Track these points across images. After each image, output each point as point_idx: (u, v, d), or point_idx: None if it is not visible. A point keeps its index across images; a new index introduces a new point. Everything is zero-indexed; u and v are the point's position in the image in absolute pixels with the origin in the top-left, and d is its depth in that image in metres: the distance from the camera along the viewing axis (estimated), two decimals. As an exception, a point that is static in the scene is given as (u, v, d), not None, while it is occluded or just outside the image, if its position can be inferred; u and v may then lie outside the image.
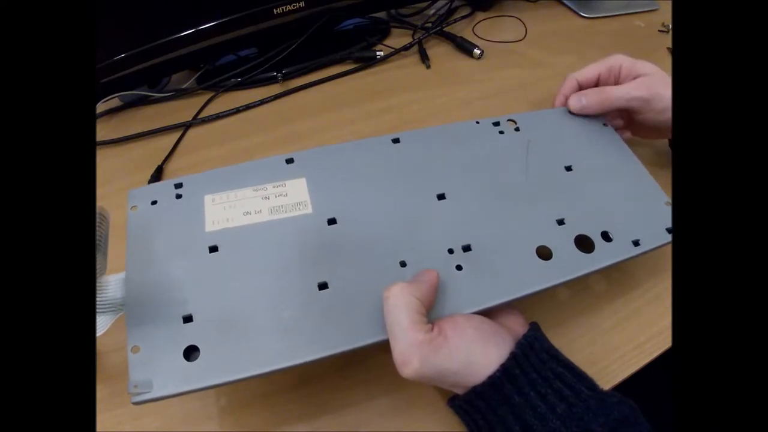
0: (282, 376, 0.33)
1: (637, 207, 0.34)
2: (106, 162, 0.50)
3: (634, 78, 0.40)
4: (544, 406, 0.25)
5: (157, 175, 0.48)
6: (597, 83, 0.42)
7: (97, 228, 0.25)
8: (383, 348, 0.27)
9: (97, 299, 0.27)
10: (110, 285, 0.28)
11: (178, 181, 0.33)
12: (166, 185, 0.33)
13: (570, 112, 0.40)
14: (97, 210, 0.25)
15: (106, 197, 0.46)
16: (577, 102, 0.40)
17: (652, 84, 0.39)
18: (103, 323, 0.28)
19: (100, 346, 0.35)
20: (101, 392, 0.33)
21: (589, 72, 0.42)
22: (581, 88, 0.42)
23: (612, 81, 0.41)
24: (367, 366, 0.34)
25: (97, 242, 0.25)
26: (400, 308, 0.26)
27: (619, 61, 0.41)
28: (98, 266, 0.26)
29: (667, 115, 0.39)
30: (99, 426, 0.31)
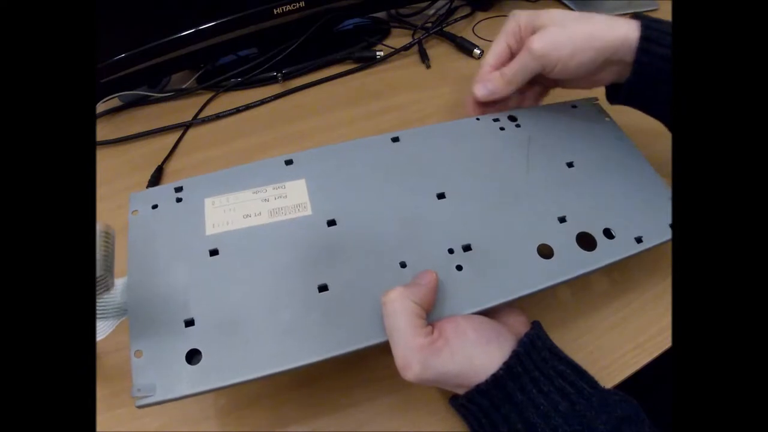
0: (282, 377, 0.33)
1: (640, 203, 0.34)
2: (106, 162, 0.50)
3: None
4: (546, 403, 0.25)
5: (157, 175, 0.48)
6: (512, 55, 0.38)
7: (105, 245, 0.25)
8: (383, 348, 0.27)
9: (100, 304, 0.27)
10: (113, 290, 0.28)
11: (178, 184, 0.33)
12: (166, 189, 0.33)
13: (572, 108, 0.40)
14: (105, 229, 0.25)
15: (106, 197, 0.46)
16: (483, 89, 0.38)
17: (545, 36, 0.35)
18: (105, 327, 0.28)
19: (100, 346, 0.35)
20: (101, 392, 0.33)
21: (498, 48, 0.38)
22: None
23: (523, 45, 0.37)
24: (367, 366, 0.34)
25: (106, 263, 0.25)
26: (399, 313, 0.26)
27: (518, 20, 0.37)
28: (107, 284, 0.26)
29: (578, 59, 0.34)
30: (99, 426, 0.31)
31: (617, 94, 0.37)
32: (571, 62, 0.35)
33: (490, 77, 0.38)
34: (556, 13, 0.36)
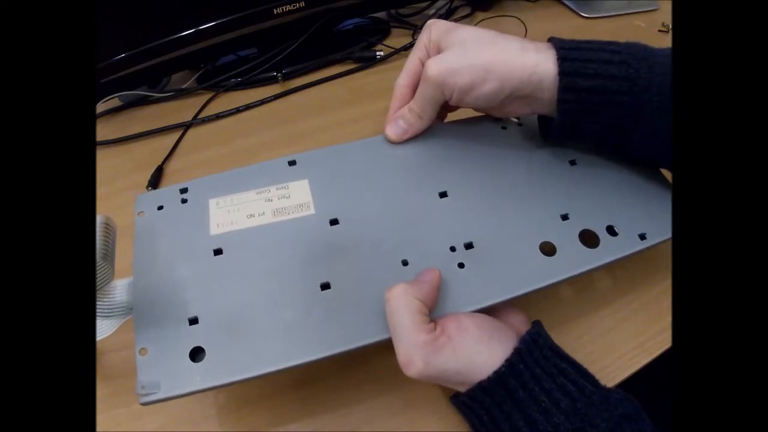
0: (282, 376, 0.33)
1: (643, 200, 0.34)
2: (106, 162, 0.50)
3: None
4: (548, 401, 0.25)
5: (157, 175, 0.48)
6: None
7: (105, 238, 0.25)
8: (384, 348, 0.27)
9: (105, 303, 0.28)
10: (118, 289, 0.29)
11: (183, 186, 0.34)
12: (171, 190, 0.34)
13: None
14: (105, 220, 0.26)
15: (106, 197, 0.46)
16: (396, 129, 0.35)
17: (442, 62, 0.31)
18: (110, 326, 0.28)
19: (101, 346, 0.35)
20: (101, 392, 0.33)
21: (411, 65, 0.35)
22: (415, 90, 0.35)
23: None
24: (367, 366, 0.34)
25: (105, 251, 0.25)
26: (402, 310, 0.26)
27: (429, 33, 0.33)
28: (106, 274, 0.26)
29: (478, 91, 0.31)
30: (99, 426, 0.31)
31: (549, 132, 0.34)
32: (470, 93, 0.31)
33: (401, 113, 0.35)
34: (467, 33, 0.32)
